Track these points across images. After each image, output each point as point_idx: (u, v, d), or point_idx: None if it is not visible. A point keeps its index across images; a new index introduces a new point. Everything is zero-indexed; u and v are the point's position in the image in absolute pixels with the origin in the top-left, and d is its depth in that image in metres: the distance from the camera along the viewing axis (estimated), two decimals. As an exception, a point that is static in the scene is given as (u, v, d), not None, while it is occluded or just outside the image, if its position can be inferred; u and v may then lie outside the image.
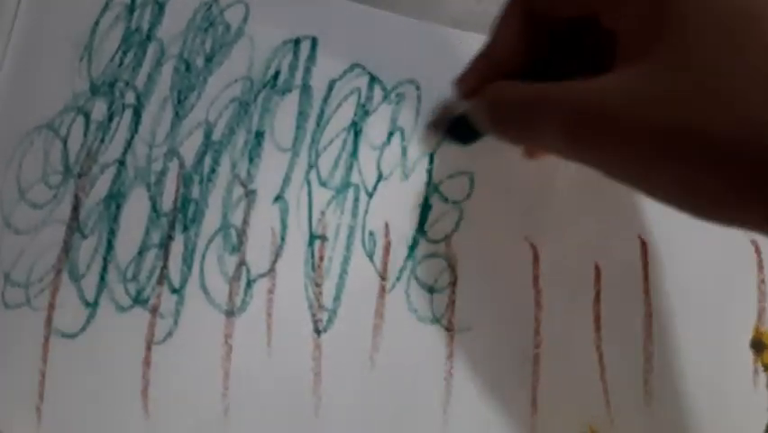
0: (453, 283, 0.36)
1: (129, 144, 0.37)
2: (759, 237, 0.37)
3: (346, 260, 0.37)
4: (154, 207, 0.37)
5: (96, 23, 0.38)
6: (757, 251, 0.37)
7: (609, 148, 0.23)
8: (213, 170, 0.37)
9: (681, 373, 0.37)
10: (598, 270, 0.37)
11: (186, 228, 0.36)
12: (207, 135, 0.37)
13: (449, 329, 0.36)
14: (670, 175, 0.22)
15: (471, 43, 0.38)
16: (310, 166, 0.37)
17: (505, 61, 0.30)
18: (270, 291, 0.36)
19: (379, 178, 0.37)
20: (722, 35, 0.22)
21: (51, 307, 0.36)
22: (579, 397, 0.36)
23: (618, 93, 0.23)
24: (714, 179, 0.21)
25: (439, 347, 0.36)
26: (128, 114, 0.37)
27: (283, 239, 0.36)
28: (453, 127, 0.36)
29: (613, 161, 0.24)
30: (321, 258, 0.36)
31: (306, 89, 0.38)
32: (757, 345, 0.37)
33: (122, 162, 0.37)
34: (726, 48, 0.21)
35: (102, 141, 0.37)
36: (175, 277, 0.36)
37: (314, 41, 0.38)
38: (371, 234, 0.37)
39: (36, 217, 0.36)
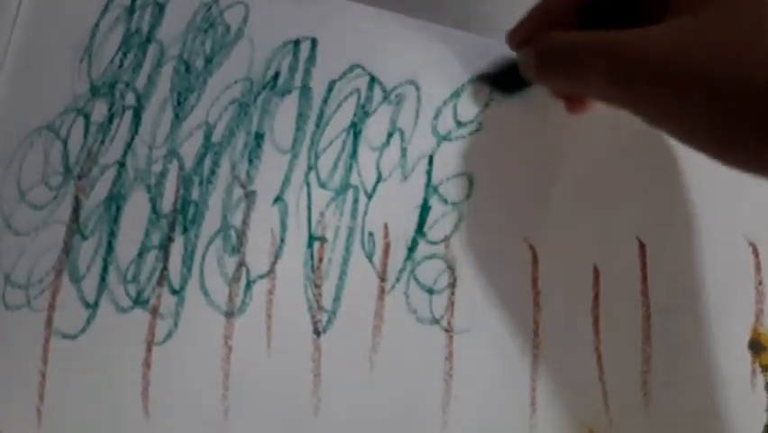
0: (453, 284, 0.37)
1: (129, 146, 0.37)
2: (757, 239, 0.37)
3: (345, 261, 0.37)
4: (154, 209, 0.37)
5: (96, 25, 0.38)
6: (755, 252, 0.37)
7: (653, 91, 0.25)
8: (213, 172, 0.37)
9: (680, 374, 0.37)
10: (596, 271, 0.37)
11: (186, 229, 0.37)
12: (207, 137, 0.37)
13: (448, 330, 0.36)
14: (705, 116, 0.24)
15: (473, 44, 0.39)
16: (309, 167, 0.37)
17: (559, 12, 0.31)
18: (270, 292, 0.36)
19: (379, 179, 0.38)
20: None
21: (52, 308, 0.36)
22: (577, 398, 0.36)
23: (663, 39, 0.24)
24: (754, 121, 0.22)
25: (438, 348, 0.36)
26: (128, 115, 0.38)
27: (283, 240, 0.37)
28: (501, 76, 0.37)
29: (655, 103, 0.25)
30: (320, 259, 0.37)
31: (305, 91, 0.38)
32: (755, 347, 0.37)
33: (122, 164, 0.37)
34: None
35: (102, 142, 0.37)
36: (175, 278, 0.36)
37: (313, 42, 0.38)
38: (371, 235, 0.37)
39: (36, 219, 0.36)
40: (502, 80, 0.37)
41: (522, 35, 0.32)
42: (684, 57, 0.24)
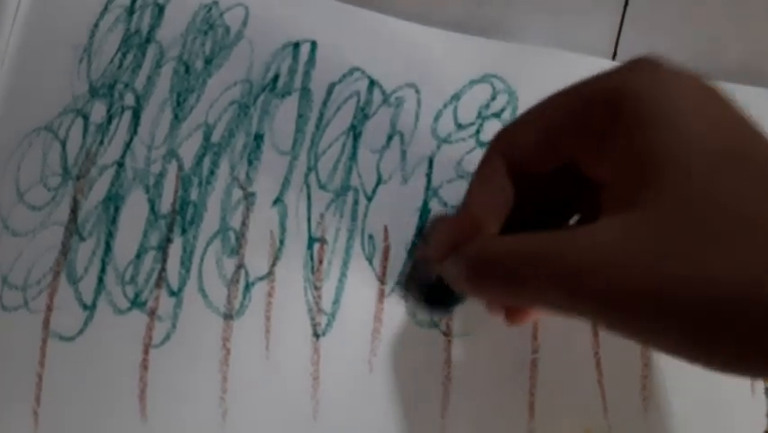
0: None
1: (128, 146, 0.38)
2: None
3: (345, 263, 0.37)
4: (153, 210, 0.37)
5: (96, 26, 0.39)
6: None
7: (611, 305, 0.22)
8: (212, 173, 0.38)
9: (679, 378, 0.37)
10: None
11: (184, 231, 0.37)
12: (206, 137, 0.38)
13: (447, 334, 0.37)
14: (677, 330, 0.21)
15: (472, 46, 0.39)
16: (309, 169, 0.38)
17: (485, 221, 0.28)
18: (269, 295, 0.37)
19: (379, 181, 0.38)
20: (713, 179, 0.21)
21: (49, 309, 0.36)
22: (576, 402, 0.37)
23: (614, 247, 0.22)
24: (725, 331, 0.20)
25: (437, 352, 0.37)
26: (127, 115, 0.38)
27: (282, 242, 0.37)
28: (430, 294, 0.33)
29: (616, 319, 0.23)
30: (320, 261, 0.37)
31: (305, 93, 0.39)
32: None
33: (120, 164, 0.38)
34: (719, 193, 0.21)
35: (101, 143, 0.38)
36: (173, 280, 0.37)
37: (313, 45, 0.39)
38: (371, 237, 0.37)
39: (34, 219, 0.37)
40: (431, 299, 0.34)
41: (443, 249, 0.29)
42: (644, 265, 0.21)
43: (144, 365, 0.36)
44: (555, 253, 0.23)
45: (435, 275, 0.30)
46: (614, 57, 0.42)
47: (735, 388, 0.37)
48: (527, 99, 0.38)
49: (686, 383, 0.37)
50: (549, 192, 0.29)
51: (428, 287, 0.33)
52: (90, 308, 0.36)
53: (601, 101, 0.24)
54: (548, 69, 0.40)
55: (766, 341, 0.19)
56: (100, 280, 0.36)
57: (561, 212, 0.30)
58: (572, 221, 0.30)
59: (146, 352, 0.36)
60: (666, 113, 0.22)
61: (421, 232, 0.37)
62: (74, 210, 0.37)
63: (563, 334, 0.37)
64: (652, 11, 0.42)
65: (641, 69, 0.24)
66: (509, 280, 0.25)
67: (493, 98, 0.39)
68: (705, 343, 0.21)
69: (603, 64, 0.40)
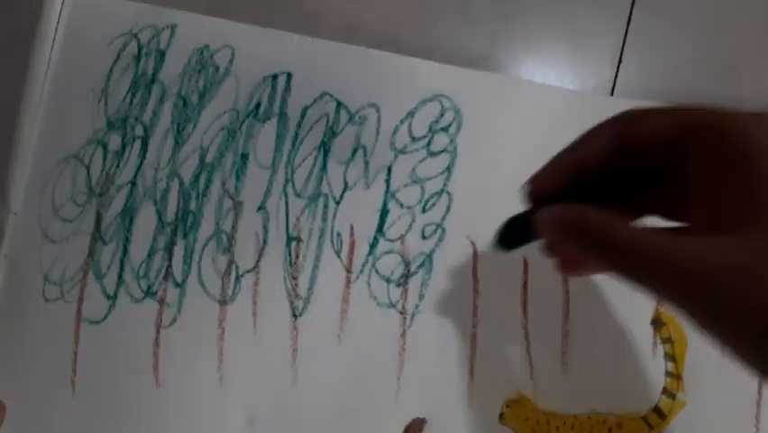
0: (407, 275, 0.41)
1: (139, 169, 0.41)
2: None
3: (318, 257, 0.40)
4: (160, 219, 0.41)
5: (110, 71, 0.42)
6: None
7: (715, 318, 0.23)
8: (207, 187, 0.41)
9: (593, 347, 0.40)
10: (526, 263, 0.41)
11: (185, 235, 0.40)
12: (202, 159, 0.41)
13: (402, 313, 0.40)
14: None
15: (425, 70, 0.42)
16: (287, 180, 0.41)
17: (586, 170, 0.28)
18: (255, 284, 0.40)
19: (345, 188, 0.41)
20: None
21: (80, 300, 0.40)
22: (508, 367, 0.40)
23: (724, 265, 0.22)
24: None
25: (394, 327, 0.40)
26: (137, 144, 0.41)
27: (265, 241, 0.41)
28: (510, 226, 0.32)
29: (718, 330, 0.23)
30: (297, 256, 0.40)
31: (282, 117, 0.41)
32: (657, 323, 0.40)
33: (133, 183, 0.41)
34: None
35: (117, 166, 0.41)
36: (178, 274, 0.40)
37: (289, 76, 0.42)
38: (339, 234, 0.41)
39: (67, 229, 0.40)
40: (509, 230, 0.32)
41: (543, 185, 0.29)
42: (755, 289, 0.21)
43: (156, 343, 0.40)
44: (677, 260, 0.23)
45: (521, 213, 0.30)
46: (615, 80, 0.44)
47: (639, 353, 0.40)
48: (470, 115, 0.42)
49: (598, 350, 0.40)
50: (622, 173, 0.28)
51: (512, 221, 0.32)
52: (113, 298, 0.40)
53: (736, 139, 0.24)
54: (489, 91, 0.42)
55: None
56: (120, 275, 0.40)
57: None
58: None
59: (157, 332, 0.40)
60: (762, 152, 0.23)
61: (381, 229, 0.41)
62: (98, 221, 0.40)
63: (498, 311, 0.41)
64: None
65: (732, 114, 0.24)
66: (628, 266, 0.25)
67: (442, 115, 0.42)
68: None
69: (536, 88, 0.43)
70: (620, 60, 0.45)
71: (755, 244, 0.22)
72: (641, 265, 0.24)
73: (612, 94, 0.44)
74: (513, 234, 0.32)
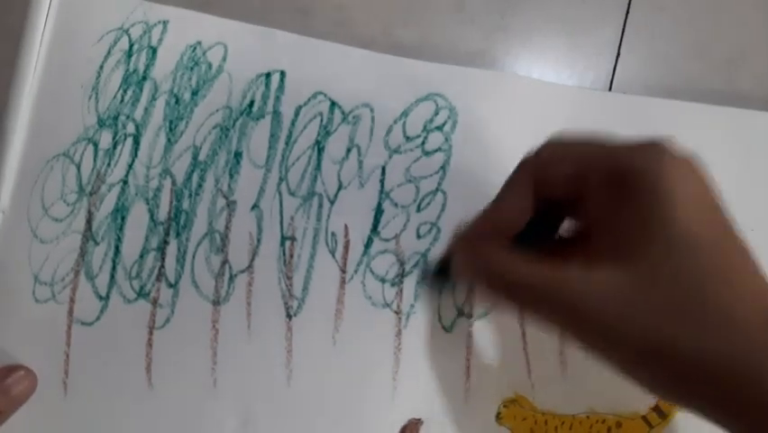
0: (401, 275, 0.41)
1: (130, 167, 0.40)
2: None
3: (312, 257, 0.40)
4: (152, 218, 0.40)
5: (101, 67, 0.41)
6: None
7: (606, 350, 0.26)
8: (200, 186, 0.40)
9: None
10: None
11: (178, 234, 0.40)
12: (195, 157, 0.40)
13: (397, 313, 0.40)
14: (664, 379, 0.25)
15: (418, 69, 0.42)
16: (281, 179, 0.41)
17: (509, 224, 0.31)
18: (249, 284, 0.40)
19: (340, 187, 0.41)
20: (690, 260, 0.24)
21: (72, 301, 0.39)
22: (505, 367, 0.40)
23: (611, 298, 0.25)
24: (707, 391, 0.24)
25: (389, 327, 0.40)
26: (129, 141, 0.40)
27: (259, 241, 0.40)
28: (437, 273, 0.39)
29: (612, 361, 0.26)
30: (291, 256, 0.40)
31: (276, 115, 0.41)
32: None
33: (125, 182, 0.40)
34: (715, 276, 0.24)
35: (108, 165, 0.40)
36: (171, 274, 0.40)
37: (282, 74, 0.41)
38: (333, 234, 0.40)
39: (57, 229, 0.39)
40: (436, 278, 0.40)
41: (469, 244, 0.32)
42: (640, 321, 0.24)
43: (149, 344, 0.39)
44: (562, 289, 0.26)
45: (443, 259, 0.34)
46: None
47: None
48: (465, 114, 0.42)
49: None
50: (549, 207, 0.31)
51: (438, 269, 0.38)
52: (105, 299, 0.39)
53: (622, 174, 0.26)
54: (484, 88, 0.42)
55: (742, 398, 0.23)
56: (112, 276, 0.39)
57: (555, 222, 0.33)
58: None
59: (150, 333, 0.39)
60: (667, 198, 0.25)
61: (376, 229, 0.41)
62: (89, 221, 0.39)
63: (495, 311, 0.41)
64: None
65: (656, 153, 0.26)
66: (529, 304, 0.28)
67: (436, 114, 0.42)
68: (685, 393, 0.25)
69: (532, 84, 0.43)
70: (618, 55, 0.45)
71: (635, 273, 0.24)
72: (535, 300, 0.27)
73: (610, 89, 0.45)
74: (438, 276, 0.38)
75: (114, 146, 0.41)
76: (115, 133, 0.41)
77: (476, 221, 0.32)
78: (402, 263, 0.41)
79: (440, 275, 0.39)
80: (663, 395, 0.26)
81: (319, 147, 0.41)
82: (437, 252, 0.42)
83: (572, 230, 0.33)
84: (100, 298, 0.40)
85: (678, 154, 0.26)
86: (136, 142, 0.41)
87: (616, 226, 0.27)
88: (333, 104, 0.42)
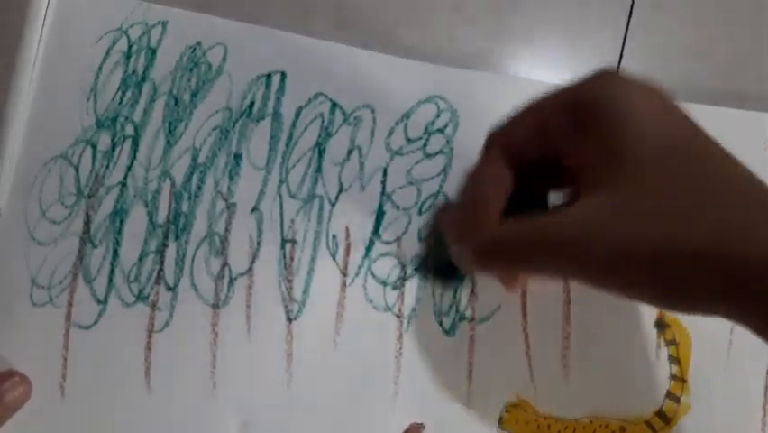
0: (403, 278, 0.41)
1: (129, 169, 0.40)
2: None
3: (313, 259, 0.40)
4: (151, 220, 0.40)
5: (100, 69, 0.41)
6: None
7: (591, 271, 0.26)
8: (199, 188, 0.40)
9: (595, 349, 0.40)
10: None
11: (178, 237, 0.40)
12: (194, 159, 0.41)
13: (399, 316, 0.40)
14: (647, 284, 0.25)
15: (420, 71, 0.42)
16: (281, 181, 0.41)
17: (490, 208, 0.31)
18: (249, 287, 0.40)
19: (341, 189, 0.41)
20: (661, 168, 0.25)
21: (70, 304, 0.39)
22: (507, 371, 0.40)
23: (590, 222, 0.26)
24: (686, 284, 0.24)
25: (391, 331, 0.40)
26: (128, 143, 0.41)
27: (259, 243, 0.41)
28: (442, 271, 0.39)
29: (598, 281, 0.26)
30: (291, 258, 0.40)
31: (276, 116, 0.41)
32: (660, 325, 0.40)
33: (124, 184, 0.40)
34: (666, 177, 0.25)
35: (107, 167, 0.40)
36: (170, 277, 0.40)
37: (283, 75, 0.41)
38: (334, 237, 0.41)
39: (55, 231, 0.40)
40: (441, 272, 0.40)
41: (464, 230, 0.32)
42: (612, 235, 0.25)
43: (148, 347, 0.39)
44: (549, 232, 0.27)
45: (446, 256, 0.34)
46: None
47: (642, 355, 0.40)
48: (467, 116, 0.42)
49: (599, 353, 0.40)
50: (537, 180, 0.32)
51: (440, 265, 0.38)
52: (103, 303, 0.39)
53: (580, 107, 0.28)
54: (485, 90, 0.42)
55: (704, 279, 0.24)
56: (110, 279, 0.40)
57: (546, 197, 0.34)
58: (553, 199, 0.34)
59: (149, 336, 0.40)
60: (627, 117, 0.26)
61: (377, 231, 0.41)
62: (87, 223, 0.40)
63: (497, 314, 0.41)
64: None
65: (608, 80, 0.28)
66: (515, 258, 0.29)
67: (438, 116, 0.42)
68: (667, 288, 0.25)
69: (533, 86, 0.42)
70: (621, 56, 0.45)
71: (624, 190, 0.26)
72: (535, 251, 0.28)
73: (612, 91, 0.44)
74: (445, 276, 0.39)
75: (113, 148, 0.41)
76: (114, 135, 0.41)
77: (459, 206, 0.33)
78: (404, 266, 0.41)
79: (441, 274, 0.39)
80: (677, 302, 0.26)
81: (320, 149, 0.41)
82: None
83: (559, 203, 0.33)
84: (98, 301, 0.40)
85: (626, 74, 0.28)
86: (135, 144, 0.41)
87: (590, 157, 0.27)
88: (333, 105, 0.42)
